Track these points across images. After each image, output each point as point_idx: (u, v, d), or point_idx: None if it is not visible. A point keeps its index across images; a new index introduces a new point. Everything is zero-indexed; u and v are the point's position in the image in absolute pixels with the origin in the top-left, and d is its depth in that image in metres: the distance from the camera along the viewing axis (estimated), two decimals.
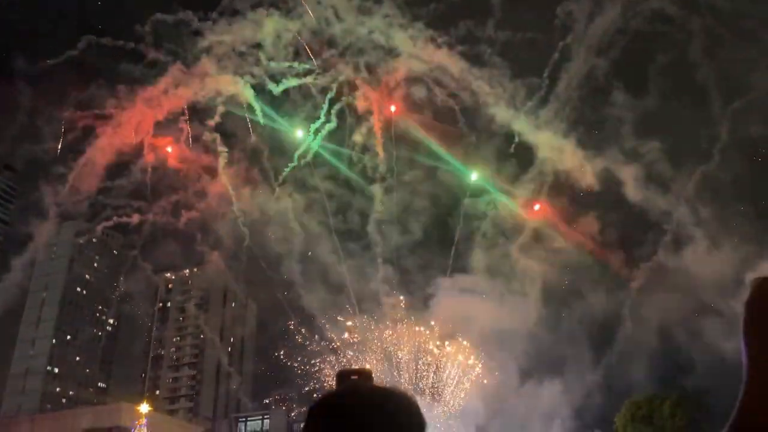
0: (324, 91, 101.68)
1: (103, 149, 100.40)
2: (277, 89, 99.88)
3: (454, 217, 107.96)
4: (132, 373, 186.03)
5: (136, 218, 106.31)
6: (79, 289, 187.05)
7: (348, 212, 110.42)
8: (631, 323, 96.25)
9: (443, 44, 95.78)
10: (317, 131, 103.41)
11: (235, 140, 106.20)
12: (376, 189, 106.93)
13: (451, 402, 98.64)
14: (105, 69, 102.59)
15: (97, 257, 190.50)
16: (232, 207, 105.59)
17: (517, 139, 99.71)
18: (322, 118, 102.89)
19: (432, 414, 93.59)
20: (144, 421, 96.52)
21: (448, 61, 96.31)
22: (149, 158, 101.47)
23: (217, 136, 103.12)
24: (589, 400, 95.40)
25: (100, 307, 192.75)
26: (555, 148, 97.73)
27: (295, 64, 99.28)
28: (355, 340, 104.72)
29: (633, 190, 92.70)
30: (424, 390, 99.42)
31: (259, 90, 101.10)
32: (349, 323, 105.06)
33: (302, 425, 2.65)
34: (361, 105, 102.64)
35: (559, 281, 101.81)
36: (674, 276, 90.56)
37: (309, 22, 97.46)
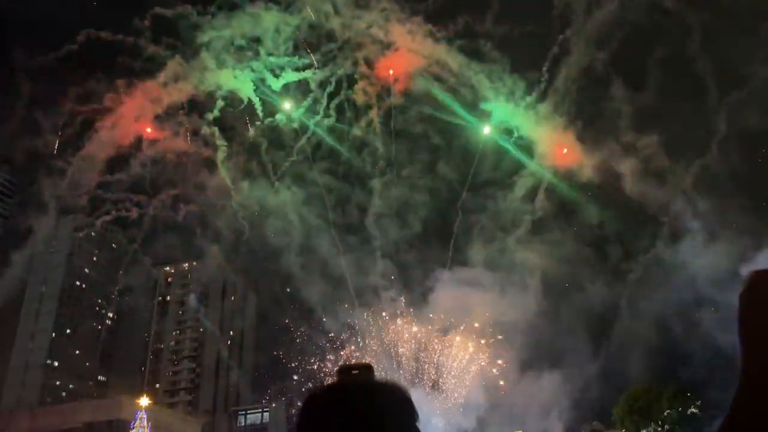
0: (323, 85, 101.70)
1: (102, 143, 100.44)
2: (276, 83, 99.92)
3: (454, 210, 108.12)
4: (132, 367, 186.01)
5: (135, 212, 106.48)
6: (78, 282, 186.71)
7: (347, 206, 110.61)
8: (629, 316, 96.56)
9: (442, 39, 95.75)
10: (312, 111, 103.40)
11: (234, 134, 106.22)
12: (376, 183, 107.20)
13: (454, 393, 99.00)
14: (104, 63, 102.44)
15: (96, 251, 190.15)
16: (231, 200, 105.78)
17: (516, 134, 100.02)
18: (321, 113, 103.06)
19: (433, 406, 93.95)
20: (144, 414, 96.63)
21: (446, 55, 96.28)
22: (148, 152, 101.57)
23: (216, 129, 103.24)
24: (588, 392, 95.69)
25: (99, 301, 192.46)
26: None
27: (295, 59, 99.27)
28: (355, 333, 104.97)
29: (631, 183, 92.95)
30: (425, 382, 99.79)
31: (259, 84, 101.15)
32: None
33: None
34: (360, 99, 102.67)
35: (558, 274, 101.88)
36: (672, 268, 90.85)
37: (308, 17, 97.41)
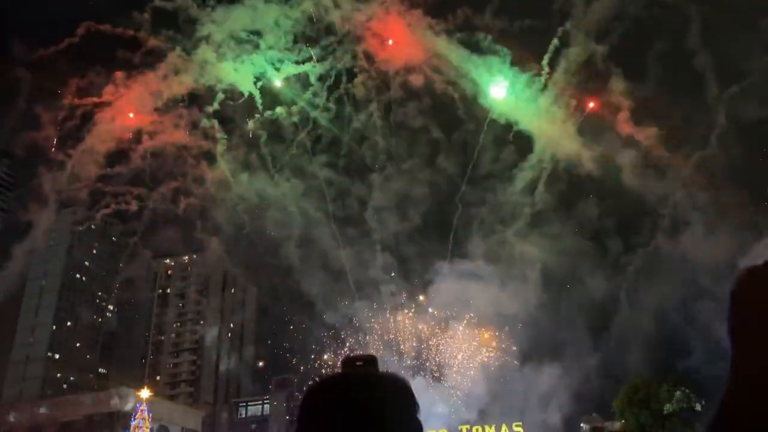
0: (323, 78, 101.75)
1: (101, 136, 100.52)
2: (277, 76, 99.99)
3: (453, 203, 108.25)
4: (132, 359, 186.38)
5: (134, 205, 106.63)
6: (78, 275, 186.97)
7: (347, 198, 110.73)
8: (629, 308, 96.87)
9: (441, 32, 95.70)
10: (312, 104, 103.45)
11: (234, 126, 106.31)
12: (375, 176, 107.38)
13: (455, 385, 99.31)
14: (104, 55, 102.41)
15: (96, 244, 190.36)
16: (231, 193, 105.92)
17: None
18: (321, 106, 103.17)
19: (433, 398, 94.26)
20: (145, 406, 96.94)
21: (446, 48, 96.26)
22: (148, 144, 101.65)
23: (216, 122, 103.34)
24: (587, 384, 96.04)
25: (100, 294, 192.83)
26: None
27: (295, 52, 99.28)
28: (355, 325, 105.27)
29: (630, 176, 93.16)
30: (426, 373, 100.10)
31: (259, 77, 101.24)
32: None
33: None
34: (360, 92, 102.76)
35: (558, 266, 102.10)
36: (671, 261, 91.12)
37: (307, 10, 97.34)
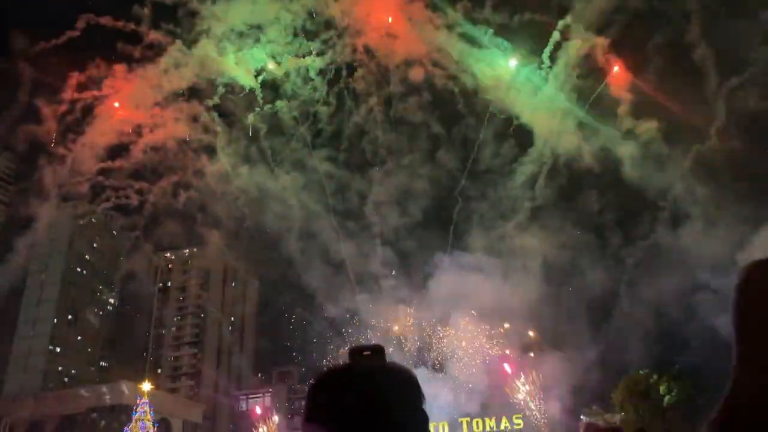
0: (323, 73, 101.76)
1: (102, 130, 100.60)
2: (277, 70, 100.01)
3: (453, 197, 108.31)
4: (134, 352, 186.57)
5: (135, 198, 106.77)
6: (79, 269, 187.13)
7: (347, 192, 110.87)
8: (628, 301, 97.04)
9: (442, 25, 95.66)
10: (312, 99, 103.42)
11: (234, 120, 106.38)
12: (375, 170, 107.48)
13: (456, 377, 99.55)
14: (104, 49, 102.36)
15: (97, 237, 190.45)
16: (232, 187, 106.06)
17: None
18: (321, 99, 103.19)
19: (435, 390, 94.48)
20: (146, 399, 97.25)
21: (446, 42, 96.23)
22: (148, 138, 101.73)
23: (216, 116, 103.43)
24: (587, 376, 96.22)
25: (101, 287, 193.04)
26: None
27: (295, 47, 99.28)
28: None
29: (630, 169, 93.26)
30: (427, 365, 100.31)
31: (259, 71, 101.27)
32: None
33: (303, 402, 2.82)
34: (360, 86, 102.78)
35: (558, 260, 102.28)
36: (670, 254, 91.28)
37: (308, 4, 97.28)
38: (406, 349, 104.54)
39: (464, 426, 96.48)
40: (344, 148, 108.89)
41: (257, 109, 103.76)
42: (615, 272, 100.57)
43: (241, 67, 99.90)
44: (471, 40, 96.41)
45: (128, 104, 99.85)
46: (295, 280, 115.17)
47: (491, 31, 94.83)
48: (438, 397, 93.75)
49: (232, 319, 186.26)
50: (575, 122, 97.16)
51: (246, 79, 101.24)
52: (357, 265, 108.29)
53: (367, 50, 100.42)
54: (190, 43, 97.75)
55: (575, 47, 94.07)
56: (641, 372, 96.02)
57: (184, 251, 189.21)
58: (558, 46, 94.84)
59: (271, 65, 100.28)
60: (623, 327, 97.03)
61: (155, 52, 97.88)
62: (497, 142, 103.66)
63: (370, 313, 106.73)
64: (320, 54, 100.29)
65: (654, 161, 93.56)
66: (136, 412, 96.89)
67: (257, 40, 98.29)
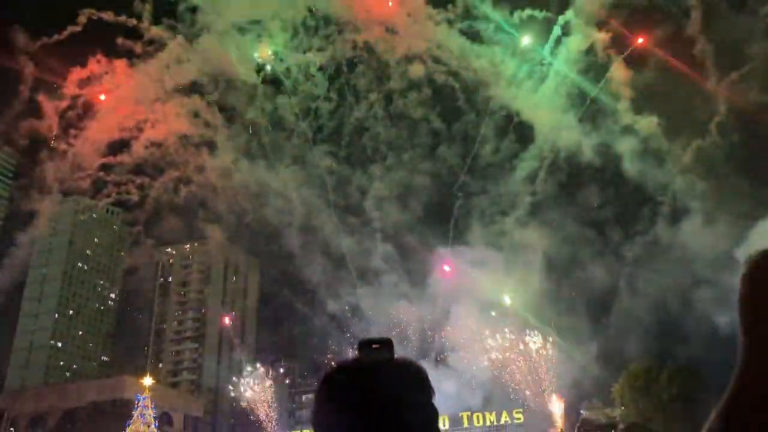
0: (324, 68, 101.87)
1: (103, 125, 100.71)
2: (278, 67, 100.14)
3: (454, 192, 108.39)
4: (135, 347, 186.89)
5: (136, 193, 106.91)
6: (80, 264, 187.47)
7: (347, 187, 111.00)
8: (628, 295, 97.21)
9: (442, 21, 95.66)
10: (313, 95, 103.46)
11: (235, 115, 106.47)
12: (376, 166, 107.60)
13: (457, 371, 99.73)
14: (105, 44, 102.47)
15: (98, 233, 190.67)
16: (232, 182, 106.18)
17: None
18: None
19: (437, 385, 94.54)
20: (148, 393, 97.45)
21: (447, 38, 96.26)
22: (150, 134, 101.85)
23: (217, 111, 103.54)
24: (588, 370, 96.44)
25: (102, 282, 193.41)
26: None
27: (296, 43, 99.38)
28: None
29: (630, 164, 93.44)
30: (429, 359, 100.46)
31: (260, 67, 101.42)
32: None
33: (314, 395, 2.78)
34: (360, 82, 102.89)
35: (558, 254, 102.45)
36: (670, 249, 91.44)
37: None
38: (409, 341, 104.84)
39: (464, 420, 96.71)
40: (345, 144, 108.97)
41: (258, 104, 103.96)
42: (615, 266, 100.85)
43: (242, 63, 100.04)
44: (471, 36, 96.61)
45: (129, 99, 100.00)
46: (296, 274, 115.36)
47: (492, 26, 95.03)
48: (439, 391, 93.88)
49: (233, 313, 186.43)
50: (578, 113, 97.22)
51: (247, 75, 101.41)
52: (358, 260, 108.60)
53: (368, 46, 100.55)
54: (192, 39, 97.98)
55: (576, 42, 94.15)
56: (642, 366, 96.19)
57: (185, 246, 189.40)
58: (559, 41, 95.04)
59: (272, 61, 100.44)
60: (623, 321, 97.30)
61: (156, 47, 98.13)
62: (498, 138, 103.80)
63: (371, 306, 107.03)
64: (320, 50, 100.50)
65: (654, 156, 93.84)
66: (137, 406, 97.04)
67: (258, 36, 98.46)
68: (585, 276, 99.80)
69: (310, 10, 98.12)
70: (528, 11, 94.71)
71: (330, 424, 2.56)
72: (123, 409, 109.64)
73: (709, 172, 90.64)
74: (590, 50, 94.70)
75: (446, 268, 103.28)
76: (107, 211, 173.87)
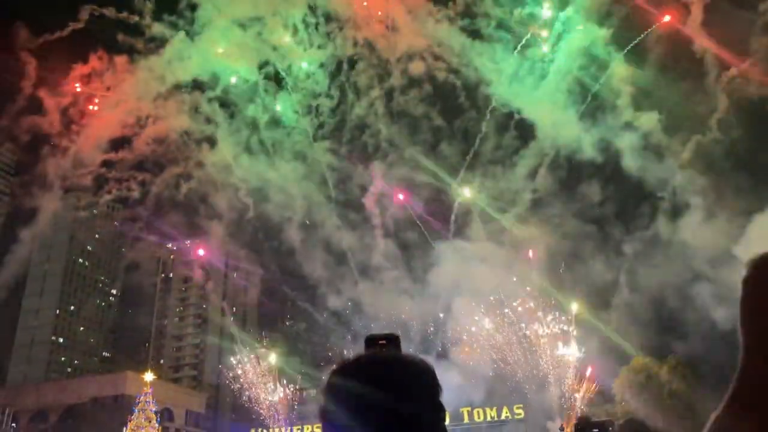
0: (324, 65, 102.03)
1: (105, 122, 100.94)
2: (279, 63, 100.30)
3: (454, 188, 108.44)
4: (136, 343, 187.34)
5: (136, 190, 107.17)
6: (81, 260, 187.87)
7: (348, 183, 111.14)
8: (628, 291, 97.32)
9: (443, 18, 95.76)
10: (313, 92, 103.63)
11: (236, 111, 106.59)
12: (377, 162, 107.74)
13: (458, 367, 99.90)
14: (107, 41, 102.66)
15: (99, 229, 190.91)
16: (233, 178, 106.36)
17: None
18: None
19: (442, 380, 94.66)
20: (149, 389, 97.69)
21: (447, 35, 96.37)
22: (151, 130, 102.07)
23: (218, 107, 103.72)
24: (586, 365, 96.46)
25: (103, 279, 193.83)
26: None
27: (296, 40, 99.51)
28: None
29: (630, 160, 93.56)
30: (430, 354, 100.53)
31: (261, 64, 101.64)
32: None
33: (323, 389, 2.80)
34: (361, 79, 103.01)
35: (558, 250, 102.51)
36: (670, 244, 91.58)
37: None
38: (411, 336, 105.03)
39: (465, 415, 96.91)
40: (346, 141, 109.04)
41: (259, 101, 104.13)
42: (615, 262, 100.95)
43: (243, 59, 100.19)
44: (472, 33, 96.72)
45: (131, 96, 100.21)
46: (297, 270, 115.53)
47: (492, 23, 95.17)
48: (447, 384, 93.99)
49: (234, 309, 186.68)
50: (579, 109, 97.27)
51: (248, 72, 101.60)
52: (359, 256, 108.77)
53: (368, 44, 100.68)
54: (193, 35, 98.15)
55: (577, 39, 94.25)
56: (642, 361, 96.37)
57: (187, 242, 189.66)
58: (560, 37, 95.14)
59: (273, 57, 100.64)
60: (623, 316, 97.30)
61: (157, 44, 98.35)
62: (498, 135, 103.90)
63: (372, 302, 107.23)
64: (321, 47, 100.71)
65: (654, 151, 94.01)
66: (138, 402, 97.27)
67: (259, 33, 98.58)
68: (585, 271, 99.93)
69: (311, 8, 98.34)
70: (528, 8, 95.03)
71: (338, 420, 2.57)
72: (124, 405, 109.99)
73: (709, 167, 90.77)
74: (591, 46, 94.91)
75: (400, 196, 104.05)
76: (108, 207, 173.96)
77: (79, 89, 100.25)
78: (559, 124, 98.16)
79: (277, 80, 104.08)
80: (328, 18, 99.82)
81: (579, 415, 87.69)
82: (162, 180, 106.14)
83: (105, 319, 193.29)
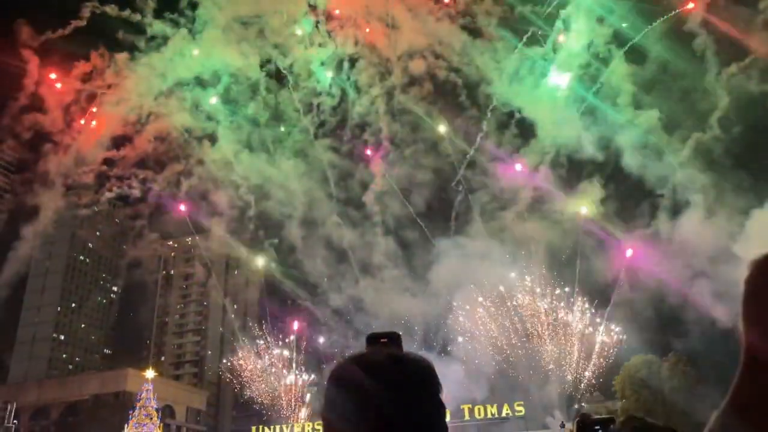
0: (326, 63, 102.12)
1: (106, 119, 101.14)
2: (280, 61, 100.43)
3: (455, 187, 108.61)
4: (137, 340, 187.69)
5: (137, 187, 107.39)
6: (83, 257, 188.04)
7: (349, 181, 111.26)
8: (629, 288, 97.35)
9: (443, 16, 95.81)
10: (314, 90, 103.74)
11: (238, 109, 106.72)
12: (378, 161, 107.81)
13: (459, 364, 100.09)
14: (108, 38, 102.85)
15: (100, 226, 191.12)
16: (235, 175, 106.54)
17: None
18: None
19: (443, 377, 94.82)
20: (150, 386, 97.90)
21: (448, 34, 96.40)
22: (152, 128, 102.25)
23: (220, 105, 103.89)
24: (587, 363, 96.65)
25: (104, 276, 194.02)
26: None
27: (297, 38, 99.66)
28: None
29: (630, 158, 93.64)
30: (431, 352, 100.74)
31: (263, 62, 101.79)
32: None
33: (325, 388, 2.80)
34: (362, 78, 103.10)
35: (559, 246, 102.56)
36: (669, 242, 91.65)
37: None
38: (412, 333, 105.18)
39: (466, 413, 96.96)
40: (347, 138, 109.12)
41: (260, 99, 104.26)
42: (615, 260, 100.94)
43: (244, 57, 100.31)
44: (473, 32, 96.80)
45: (132, 93, 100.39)
46: (298, 267, 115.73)
47: (494, 22, 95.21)
48: (443, 384, 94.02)
49: (235, 306, 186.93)
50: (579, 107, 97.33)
51: (249, 69, 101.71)
52: (360, 253, 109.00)
53: (369, 42, 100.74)
54: (194, 33, 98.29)
55: (577, 37, 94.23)
56: (642, 358, 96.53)
57: (188, 239, 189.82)
58: (561, 35, 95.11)
59: (273, 55, 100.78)
60: (623, 314, 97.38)
61: (159, 42, 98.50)
62: (499, 133, 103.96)
63: (373, 299, 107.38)
64: (322, 45, 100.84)
65: (654, 149, 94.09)
66: (139, 399, 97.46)
67: (260, 31, 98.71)
68: (586, 269, 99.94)
69: (311, 6, 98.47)
70: (529, 6, 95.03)
71: (340, 418, 2.58)
72: (125, 402, 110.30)
73: (709, 165, 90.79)
74: (592, 44, 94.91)
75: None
76: (110, 204, 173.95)
77: (80, 87, 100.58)
78: (559, 122, 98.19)
79: (278, 78, 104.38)
80: (329, 16, 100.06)
81: (579, 411, 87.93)
82: (163, 177, 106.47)
83: (106, 316, 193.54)
